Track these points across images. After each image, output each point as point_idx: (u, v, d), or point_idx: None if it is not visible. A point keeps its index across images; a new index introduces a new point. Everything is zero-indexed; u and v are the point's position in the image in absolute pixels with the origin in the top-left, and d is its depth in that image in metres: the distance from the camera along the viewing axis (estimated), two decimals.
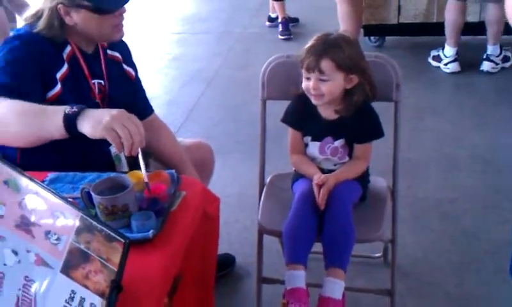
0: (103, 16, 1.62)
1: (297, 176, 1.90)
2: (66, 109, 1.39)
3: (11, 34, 1.69)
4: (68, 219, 1.06)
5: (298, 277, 1.64)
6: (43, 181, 1.50)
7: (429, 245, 2.36)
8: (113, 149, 1.47)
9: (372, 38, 4.62)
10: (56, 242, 1.00)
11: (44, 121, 1.43)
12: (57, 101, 1.56)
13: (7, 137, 1.50)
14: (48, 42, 1.64)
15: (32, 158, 1.63)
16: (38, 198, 1.05)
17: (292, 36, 4.96)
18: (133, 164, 1.63)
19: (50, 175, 1.53)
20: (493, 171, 2.85)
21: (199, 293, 1.60)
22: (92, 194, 1.32)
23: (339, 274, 1.63)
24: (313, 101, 1.80)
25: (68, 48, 1.68)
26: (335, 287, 1.61)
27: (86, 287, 0.98)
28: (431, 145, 3.16)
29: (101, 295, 0.99)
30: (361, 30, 4.41)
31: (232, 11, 5.97)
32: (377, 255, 2.25)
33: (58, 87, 1.62)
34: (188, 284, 1.48)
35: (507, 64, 4.05)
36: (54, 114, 1.40)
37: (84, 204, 1.36)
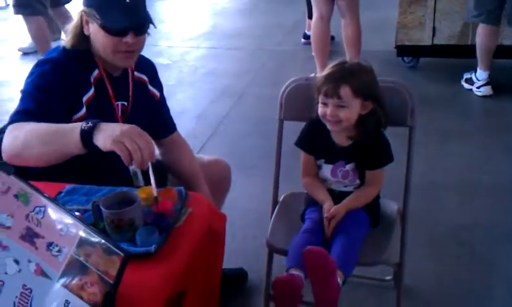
0: (108, 36, 1.66)
1: (309, 202, 1.94)
2: (83, 124, 1.47)
3: (44, 56, 1.77)
4: (71, 232, 1.14)
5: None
6: (60, 192, 1.60)
7: (443, 271, 2.34)
8: (131, 167, 1.55)
9: (405, 58, 4.61)
10: (56, 253, 1.07)
11: (63, 139, 1.50)
12: None
13: (31, 158, 1.57)
14: (77, 66, 1.72)
15: (53, 172, 1.72)
16: (46, 211, 1.13)
17: None
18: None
19: (68, 187, 1.62)
20: None
21: None
22: (101, 207, 1.39)
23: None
24: (330, 127, 1.84)
25: (96, 72, 1.75)
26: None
27: (81, 298, 1.05)
28: (456, 169, 3.14)
29: (95, 306, 1.06)
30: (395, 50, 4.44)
31: (268, 27, 6.04)
32: (388, 278, 2.25)
33: (83, 110, 1.71)
34: (192, 299, 1.52)
35: None
36: (72, 131, 1.48)
37: (94, 217, 1.44)
